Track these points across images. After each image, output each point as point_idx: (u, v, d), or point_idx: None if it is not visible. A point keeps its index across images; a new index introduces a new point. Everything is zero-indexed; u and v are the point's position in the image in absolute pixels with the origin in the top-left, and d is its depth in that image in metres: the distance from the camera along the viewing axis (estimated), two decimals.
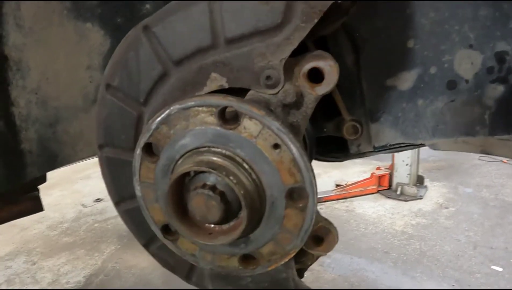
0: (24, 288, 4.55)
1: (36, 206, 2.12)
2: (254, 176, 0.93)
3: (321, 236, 1.08)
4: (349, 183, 6.79)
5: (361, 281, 4.46)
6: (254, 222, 0.96)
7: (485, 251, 4.95)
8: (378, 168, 6.99)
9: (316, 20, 0.91)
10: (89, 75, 1.62)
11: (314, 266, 4.65)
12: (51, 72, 1.59)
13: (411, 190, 6.47)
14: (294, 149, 0.91)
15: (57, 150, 1.68)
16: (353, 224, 5.67)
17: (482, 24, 1.18)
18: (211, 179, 0.92)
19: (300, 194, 0.95)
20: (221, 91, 1.01)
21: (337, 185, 6.79)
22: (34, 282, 4.65)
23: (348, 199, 6.47)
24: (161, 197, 1.05)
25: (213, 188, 0.90)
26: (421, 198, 6.42)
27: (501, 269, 4.57)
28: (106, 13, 1.52)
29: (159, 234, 1.12)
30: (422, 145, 1.42)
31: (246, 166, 0.92)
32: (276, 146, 0.90)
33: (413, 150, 6.41)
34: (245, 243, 1.02)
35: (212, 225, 0.98)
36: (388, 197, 6.51)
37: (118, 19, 1.52)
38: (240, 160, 0.93)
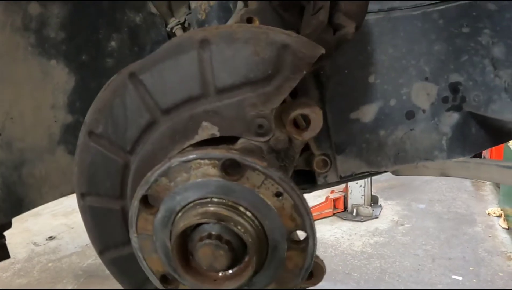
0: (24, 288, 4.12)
1: (2, 254, 2.03)
2: (257, 223, 0.94)
3: (312, 270, 1.07)
4: None
5: None
6: (258, 266, 0.95)
7: (444, 262, 5.02)
8: (332, 191, 7.01)
9: (305, 72, 0.94)
10: (54, 115, 1.56)
11: None
12: (16, 112, 1.53)
13: (366, 210, 6.51)
14: (295, 195, 0.93)
15: (23, 194, 1.60)
16: None
17: (437, 58, 1.28)
18: (215, 229, 0.91)
19: (299, 236, 0.98)
20: (212, 139, 1.01)
21: None
22: None
23: None
24: (160, 248, 1.02)
25: (219, 237, 0.90)
26: (376, 217, 6.47)
27: (461, 278, 4.64)
28: (70, 50, 1.50)
29: (157, 284, 1.08)
30: (385, 171, 1.48)
31: (249, 214, 0.93)
32: (278, 194, 0.92)
33: None
34: (248, 285, 0.99)
35: (215, 273, 0.97)
36: (345, 219, 6.52)
37: (83, 56, 1.50)
38: (243, 209, 0.93)
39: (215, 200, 0.93)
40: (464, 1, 1.25)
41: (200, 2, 1.26)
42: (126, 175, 1.08)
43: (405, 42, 1.28)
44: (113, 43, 1.51)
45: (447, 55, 1.25)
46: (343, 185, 6.83)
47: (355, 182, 6.51)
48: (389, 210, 6.79)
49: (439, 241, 5.57)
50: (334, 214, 6.66)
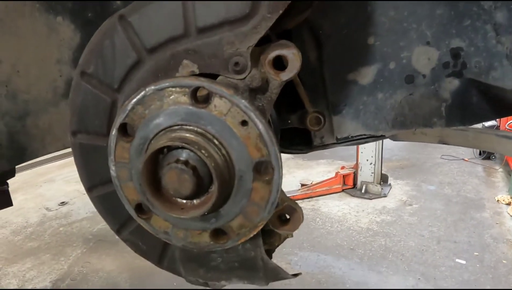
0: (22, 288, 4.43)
1: (5, 201, 2.14)
2: (224, 151, 0.99)
3: (287, 215, 1.14)
4: (314, 182, 6.81)
5: (328, 277, 4.44)
6: (224, 195, 1.01)
7: (448, 245, 5.04)
8: (342, 168, 7.05)
9: (281, 11, 0.98)
10: (59, 69, 1.60)
11: (281, 264, 4.59)
12: (22, 65, 1.59)
13: (375, 188, 6.54)
14: (260, 125, 0.97)
15: (26, 143, 1.67)
16: (319, 222, 5.67)
17: (439, 22, 1.25)
18: (183, 155, 0.98)
19: (266, 167, 1.01)
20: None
21: (302, 185, 6.79)
22: None
23: (314, 198, 6.48)
24: (135, 176, 1.09)
25: (185, 162, 0.96)
26: (385, 196, 6.50)
27: (464, 262, 4.66)
28: (77, 8, 1.51)
29: (132, 213, 1.14)
30: (383, 136, 1.47)
31: (216, 142, 0.99)
32: (244, 122, 0.97)
33: (377, 149, 6.51)
34: (216, 217, 1.06)
35: (185, 201, 1.03)
36: (353, 196, 6.56)
37: (89, 14, 1.51)
38: (210, 136, 0.99)
39: (185, 127, 1.00)
40: None
41: None
42: (113, 113, 1.14)
43: (407, 4, 1.26)
44: (118, 2, 1.51)
45: (449, 19, 1.23)
46: (354, 162, 6.85)
47: (365, 159, 6.53)
48: (398, 190, 6.81)
49: (446, 223, 5.58)
50: (343, 190, 6.70)
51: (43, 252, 5.26)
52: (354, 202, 6.37)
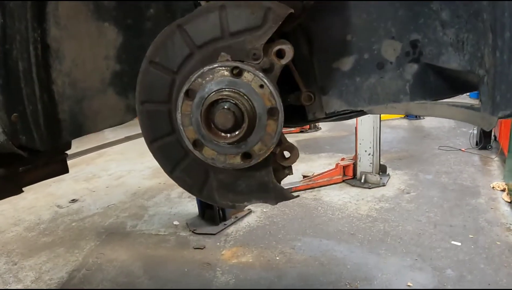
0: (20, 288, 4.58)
1: (64, 168, 2.78)
2: (250, 103, 1.50)
3: (288, 152, 1.61)
4: (315, 174, 7.03)
5: (330, 259, 4.67)
6: (250, 129, 1.50)
7: (444, 229, 5.26)
8: (342, 159, 7.26)
9: (280, 22, 1.47)
10: (106, 63, 2.05)
11: (286, 249, 4.86)
12: (80, 60, 2.03)
13: (374, 178, 6.76)
14: (271, 86, 1.47)
15: (82, 121, 2.12)
16: (320, 210, 5.90)
17: (400, 21, 1.62)
18: (227, 104, 1.48)
19: (274, 111, 1.50)
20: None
21: (304, 176, 7.01)
22: (17, 281, 4.68)
23: (316, 189, 6.71)
24: (194, 122, 1.58)
25: (229, 108, 1.47)
26: (384, 185, 6.72)
27: (459, 244, 4.87)
28: (119, 15, 1.99)
29: (191, 147, 1.62)
30: (362, 111, 1.89)
31: (246, 97, 1.50)
32: (261, 86, 1.47)
33: (374, 141, 6.73)
34: (245, 144, 1.55)
35: (225, 134, 1.54)
36: (353, 186, 6.79)
37: (129, 20, 2.00)
38: (242, 94, 1.50)
39: (227, 89, 1.52)
40: None
41: None
42: (172, 87, 1.65)
43: (376, 8, 1.65)
44: (151, 10, 1.98)
45: (408, 19, 1.60)
46: (353, 153, 7.07)
47: (364, 150, 6.78)
48: (396, 179, 7.03)
49: (442, 209, 5.80)
50: (343, 181, 6.93)
51: (57, 246, 5.43)
52: (354, 191, 6.59)
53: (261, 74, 1.48)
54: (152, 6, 1.98)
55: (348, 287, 4.15)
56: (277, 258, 4.79)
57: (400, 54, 1.65)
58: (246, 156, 1.57)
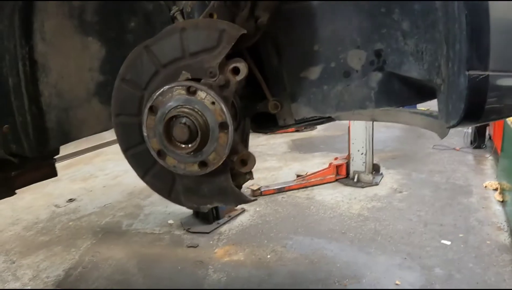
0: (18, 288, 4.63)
1: (52, 171, 2.99)
2: (203, 118, 1.61)
3: (245, 159, 1.70)
4: (309, 173, 7.10)
5: (321, 258, 4.73)
6: (204, 141, 1.64)
7: (435, 227, 5.30)
8: (336, 158, 7.31)
9: (233, 43, 1.57)
10: (91, 75, 2.18)
11: (278, 247, 4.93)
12: (65, 72, 2.15)
13: (367, 177, 6.82)
14: (221, 103, 1.57)
15: (69, 129, 2.24)
16: (313, 209, 5.97)
17: (365, 32, 1.68)
18: (183, 119, 1.62)
19: (225, 125, 1.60)
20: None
21: (298, 176, 7.08)
22: (15, 279, 4.74)
23: (309, 188, 6.76)
24: (157, 134, 1.70)
25: (184, 123, 1.62)
26: (376, 185, 6.78)
27: (449, 243, 4.91)
28: (102, 29, 2.10)
29: (155, 156, 1.75)
30: (330, 118, 1.99)
31: (200, 113, 1.61)
32: (213, 103, 1.60)
33: (367, 140, 6.79)
34: (201, 154, 1.66)
35: (184, 145, 1.67)
36: (346, 185, 6.84)
37: (111, 33, 2.11)
38: (196, 110, 1.61)
39: (184, 106, 1.63)
40: None
41: (187, 2, 1.80)
42: (142, 102, 1.76)
43: (341, 20, 1.71)
44: (132, 24, 2.09)
45: (372, 29, 1.67)
46: (346, 153, 7.12)
47: (356, 150, 6.83)
48: (389, 179, 7.08)
49: (433, 208, 5.84)
50: (336, 180, 6.98)
51: (54, 244, 5.50)
52: (347, 190, 6.64)
53: (212, 92, 1.60)
54: (132, 20, 2.09)
55: (337, 285, 4.21)
56: (268, 256, 4.85)
57: (365, 63, 1.72)
58: (203, 164, 1.71)
